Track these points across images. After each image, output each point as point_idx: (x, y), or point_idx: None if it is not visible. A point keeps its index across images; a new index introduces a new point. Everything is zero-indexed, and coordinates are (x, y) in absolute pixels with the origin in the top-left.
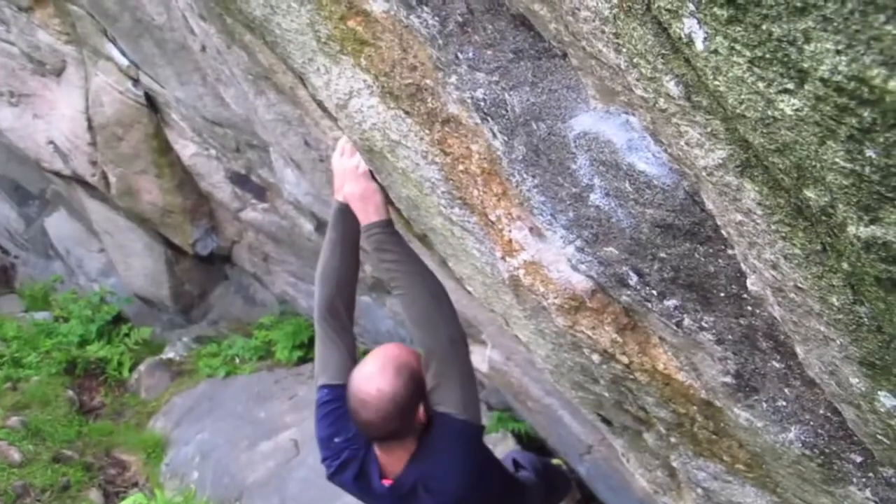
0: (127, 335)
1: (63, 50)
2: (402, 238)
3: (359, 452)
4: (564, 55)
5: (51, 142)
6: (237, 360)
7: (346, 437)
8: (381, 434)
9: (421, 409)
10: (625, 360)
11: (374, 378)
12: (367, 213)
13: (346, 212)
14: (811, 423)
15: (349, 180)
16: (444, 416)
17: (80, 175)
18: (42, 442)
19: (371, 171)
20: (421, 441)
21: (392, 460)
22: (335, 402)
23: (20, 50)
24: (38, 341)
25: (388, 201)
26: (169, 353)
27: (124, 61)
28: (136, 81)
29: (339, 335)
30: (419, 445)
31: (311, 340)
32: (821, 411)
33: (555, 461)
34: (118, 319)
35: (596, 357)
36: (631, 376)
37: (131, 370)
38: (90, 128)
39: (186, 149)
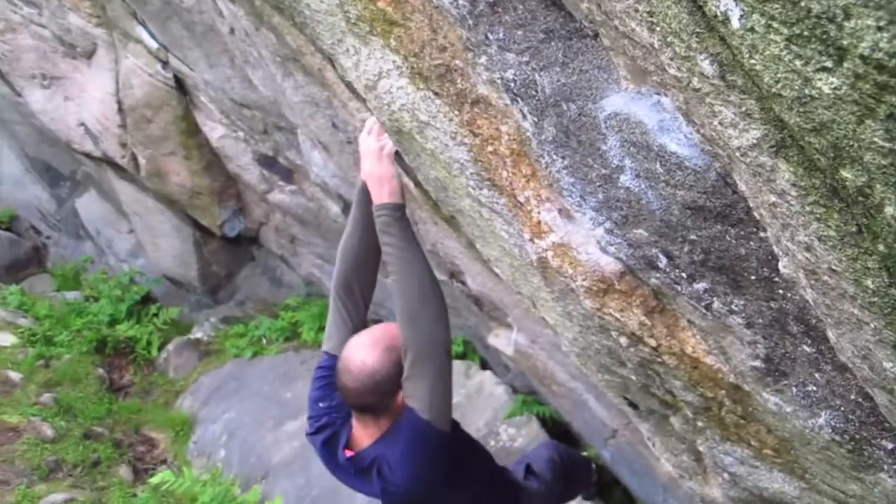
0: (156, 315)
1: (93, 33)
2: (409, 226)
3: (337, 421)
4: (596, 35)
5: (82, 124)
6: (264, 341)
7: (329, 403)
8: (355, 403)
9: (400, 395)
10: (653, 343)
11: (362, 349)
12: (381, 194)
13: (367, 192)
14: (842, 408)
15: (371, 160)
16: (410, 410)
17: (109, 157)
18: (73, 419)
19: (397, 154)
20: (392, 424)
21: (363, 434)
22: (330, 371)
23: (52, 33)
24: (70, 320)
25: (404, 189)
26: (196, 334)
27: (153, 44)
28: (165, 64)
29: (350, 312)
30: (389, 428)
31: None
32: (852, 396)
33: (585, 453)
34: (147, 299)
35: (623, 340)
36: (658, 359)
37: (160, 349)
38: (120, 110)
39: (215, 131)
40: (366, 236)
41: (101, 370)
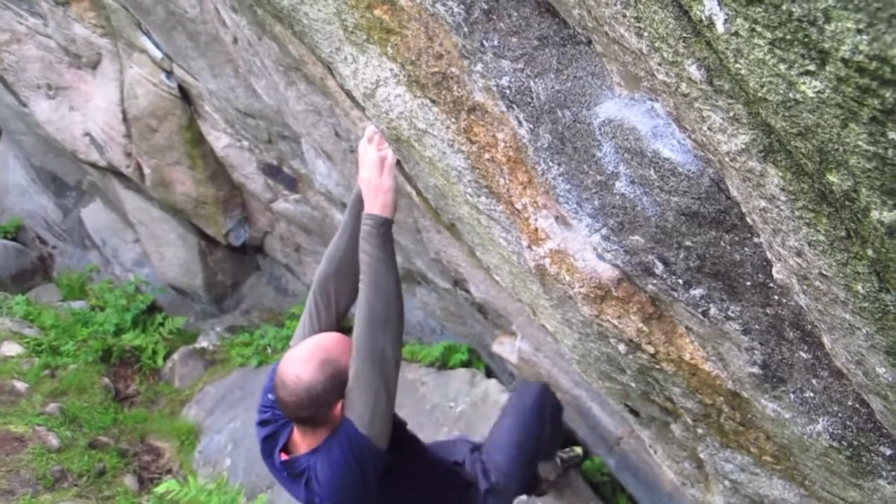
0: (161, 324)
1: (98, 43)
2: (391, 242)
3: (279, 419)
4: (589, 42)
5: (87, 133)
6: (269, 350)
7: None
8: (291, 416)
9: (339, 406)
10: (651, 349)
11: (297, 363)
12: (374, 205)
13: (362, 199)
14: (839, 414)
15: (370, 169)
16: (348, 421)
17: (115, 166)
18: (79, 428)
19: (398, 164)
20: (330, 435)
21: (300, 441)
22: None
23: (57, 43)
24: (75, 330)
25: (396, 205)
26: (202, 343)
27: (158, 53)
28: (169, 73)
29: (320, 315)
30: (326, 439)
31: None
32: (849, 403)
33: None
34: (152, 309)
35: (622, 347)
36: (657, 366)
37: (165, 359)
38: (125, 119)
39: (219, 140)
40: (353, 244)
41: (106, 379)
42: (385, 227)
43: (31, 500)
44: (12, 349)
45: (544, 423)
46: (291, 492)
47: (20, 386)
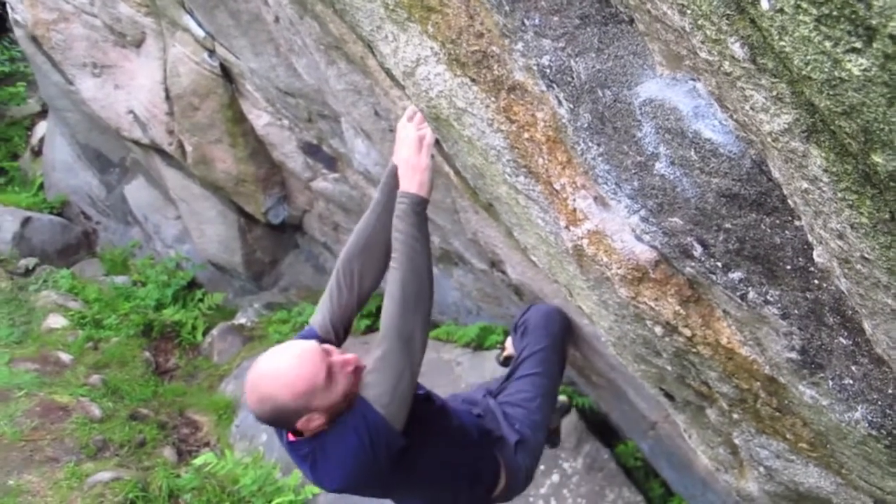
0: (201, 300)
1: (142, 21)
2: (425, 222)
3: None
4: (631, 20)
5: (130, 111)
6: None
7: None
8: (263, 421)
9: (316, 417)
10: (687, 332)
11: (260, 382)
12: (411, 183)
13: (396, 176)
14: (879, 402)
15: (409, 147)
16: (364, 402)
17: (157, 144)
18: (120, 400)
19: (437, 144)
20: (341, 417)
21: (305, 426)
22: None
23: (102, 22)
24: (118, 304)
25: (433, 185)
26: (240, 319)
27: (200, 32)
28: (211, 52)
29: (341, 292)
30: (337, 420)
31: (378, 310)
32: (889, 390)
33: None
34: (192, 285)
35: (658, 329)
36: (693, 350)
37: (204, 334)
38: (167, 98)
39: (260, 119)
40: (384, 221)
41: (147, 353)
42: (421, 206)
43: (74, 468)
44: (57, 321)
45: (564, 365)
46: (302, 470)
47: (65, 357)
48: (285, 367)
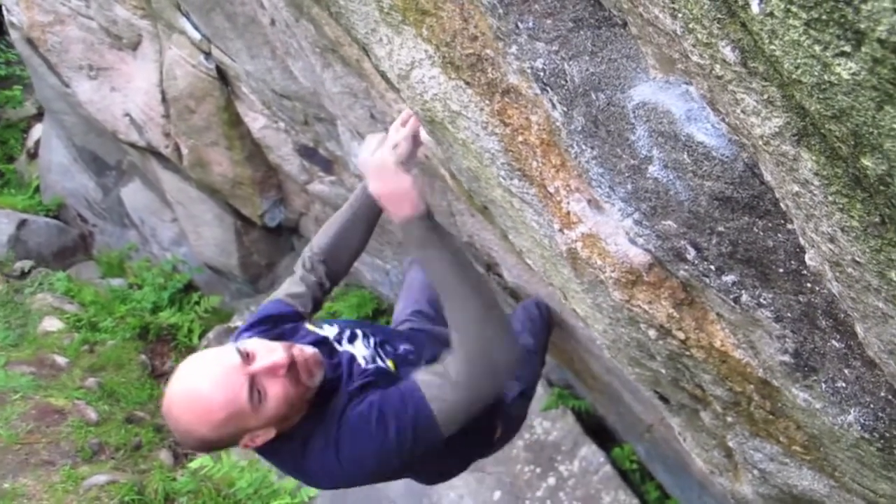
0: (197, 303)
1: (139, 24)
2: (444, 230)
3: None
4: (624, 24)
5: (127, 114)
6: None
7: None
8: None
9: (260, 433)
10: (681, 335)
11: (172, 411)
12: (399, 211)
13: (369, 194)
14: (871, 405)
15: (382, 176)
16: (419, 393)
17: (154, 146)
18: (116, 403)
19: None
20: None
21: None
22: (282, 320)
23: (98, 24)
24: (114, 307)
25: (424, 191)
26: (237, 322)
27: (196, 35)
28: (207, 55)
29: (310, 283)
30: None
31: (376, 312)
32: (881, 394)
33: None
34: (189, 287)
35: (652, 332)
36: (687, 353)
37: (201, 337)
38: (164, 100)
39: (256, 121)
40: (350, 235)
41: (143, 356)
42: (430, 219)
43: (70, 471)
44: (53, 324)
45: (542, 368)
46: (283, 471)
47: (60, 360)
48: (195, 395)
